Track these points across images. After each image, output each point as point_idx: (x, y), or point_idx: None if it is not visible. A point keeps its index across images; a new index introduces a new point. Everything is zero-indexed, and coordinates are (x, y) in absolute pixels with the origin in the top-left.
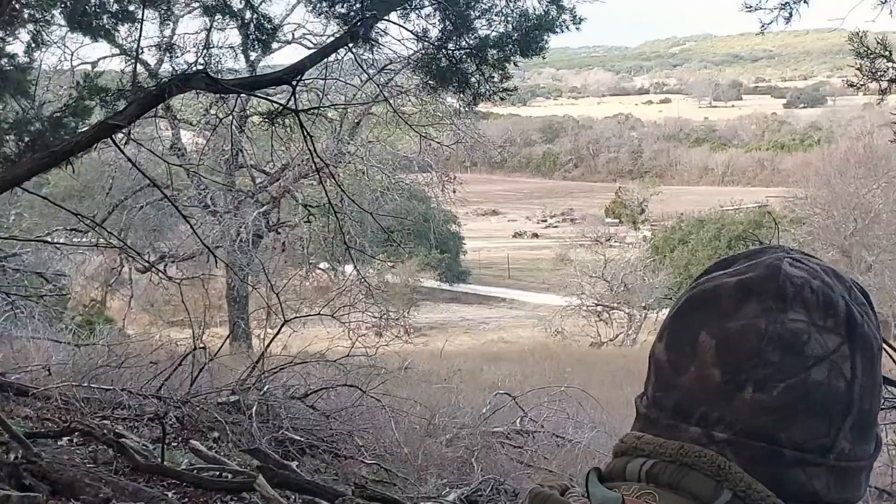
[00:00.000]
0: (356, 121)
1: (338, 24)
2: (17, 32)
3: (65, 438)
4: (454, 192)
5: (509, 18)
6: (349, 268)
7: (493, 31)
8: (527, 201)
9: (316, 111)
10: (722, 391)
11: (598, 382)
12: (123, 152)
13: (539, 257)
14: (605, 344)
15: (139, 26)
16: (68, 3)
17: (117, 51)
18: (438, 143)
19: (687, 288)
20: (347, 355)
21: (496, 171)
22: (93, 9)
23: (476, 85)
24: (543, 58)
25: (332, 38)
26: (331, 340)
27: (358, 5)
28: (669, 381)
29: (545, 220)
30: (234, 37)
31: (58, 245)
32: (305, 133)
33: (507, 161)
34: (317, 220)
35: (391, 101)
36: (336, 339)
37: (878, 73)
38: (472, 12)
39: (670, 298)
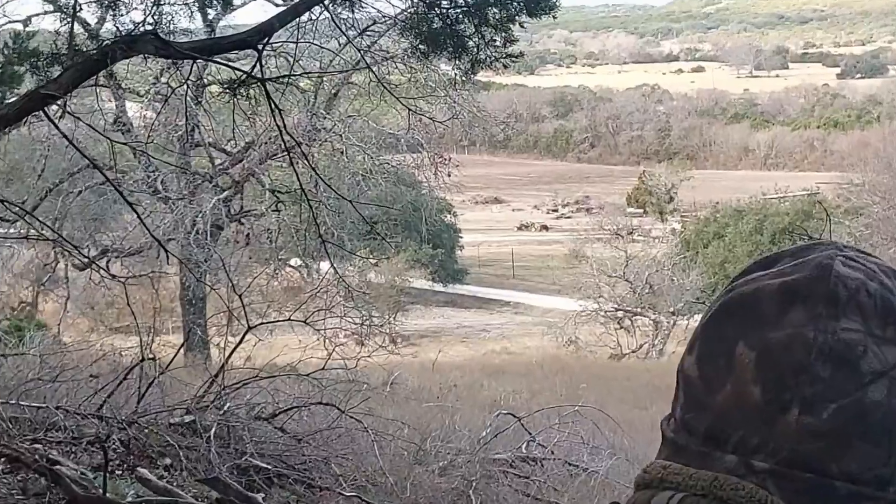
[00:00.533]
0: (333, 92)
1: None
2: None
3: None
4: (449, 176)
5: None
6: (325, 265)
7: None
8: (534, 187)
9: (286, 80)
10: (763, 413)
11: (617, 401)
12: (58, 127)
13: (549, 253)
14: (626, 356)
15: None
16: None
17: (51, 7)
18: (430, 118)
19: (722, 291)
20: (323, 368)
21: (498, 152)
22: None
23: (474, 50)
24: (554, 17)
25: None
26: (303, 351)
27: None
28: (701, 400)
29: (556, 210)
30: None
31: None
32: (273, 106)
33: (511, 140)
34: (287, 209)
35: (374, 69)
36: (310, 348)
37: None
38: None
39: (703, 303)
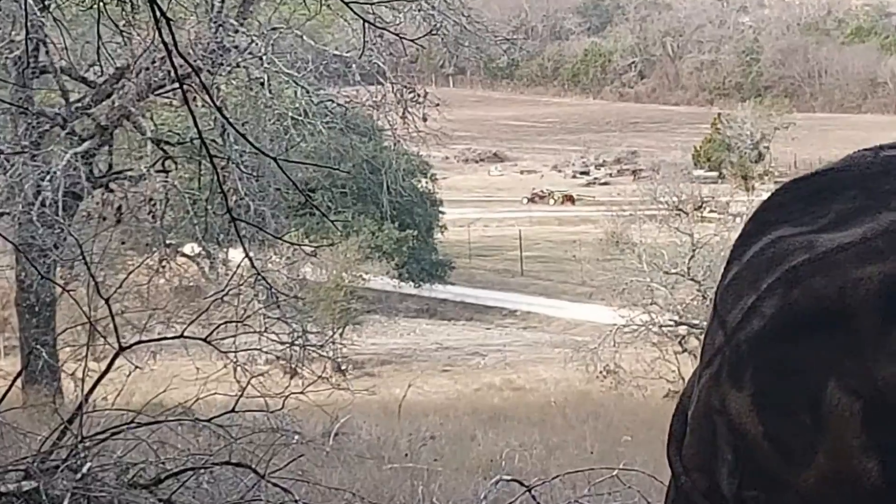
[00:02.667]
0: None
1: None
2: None
3: None
4: (425, 120)
5: None
6: (236, 254)
7: None
8: (554, 138)
9: None
10: (884, 500)
11: None
12: None
13: (575, 238)
14: None
15: None
16: None
17: None
18: (396, 33)
19: (739, 265)
20: (232, 411)
21: (500, 85)
22: None
23: None
24: None
25: None
26: (203, 384)
27: None
28: (773, 474)
29: (586, 173)
30: None
31: None
32: (158, 12)
33: (519, 67)
34: (180, 170)
35: None
36: (213, 380)
37: None
38: None
39: None
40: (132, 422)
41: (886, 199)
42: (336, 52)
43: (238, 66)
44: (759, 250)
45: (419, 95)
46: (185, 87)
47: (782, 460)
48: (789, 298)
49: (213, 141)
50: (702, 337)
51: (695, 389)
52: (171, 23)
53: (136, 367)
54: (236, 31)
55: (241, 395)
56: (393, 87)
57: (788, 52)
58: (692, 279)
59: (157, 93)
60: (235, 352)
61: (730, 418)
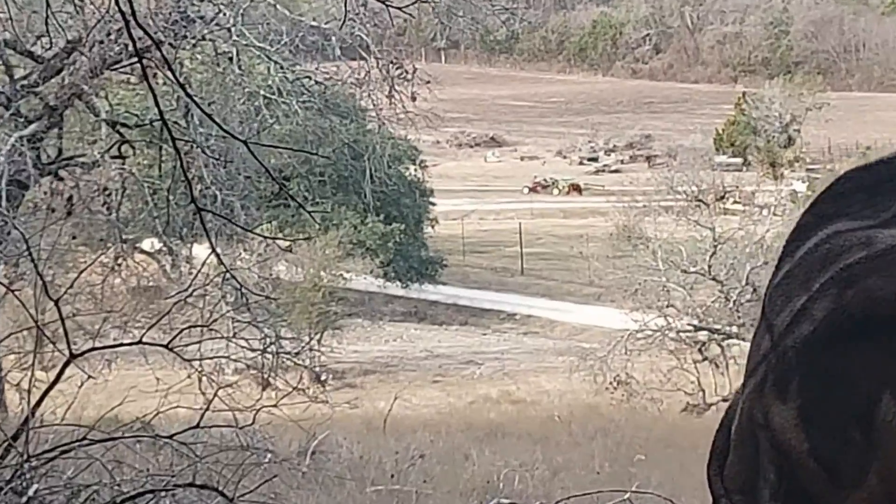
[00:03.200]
0: None
1: None
2: None
3: None
4: (413, 100)
5: None
6: (201, 250)
7: None
8: (559, 120)
9: None
10: None
11: (698, 484)
12: None
13: (582, 232)
14: (712, 406)
15: None
16: None
17: None
18: (381, 1)
19: (791, 263)
20: (198, 426)
21: (498, 60)
22: None
23: None
24: None
25: None
26: (164, 396)
27: None
28: (820, 496)
29: (595, 159)
30: None
31: None
32: None
33: (519, 40)
34: (138, 155)
35: None
36: (176, 392)
37: None
38: None
39: None
40: (84, 438)
41: None
42: (314, 24)
43: (204, 38)
44: (814, 246)
45: (407, 72)
46: (144, 62)
47: (829, 481)
48: (842, 300)
49: (176, 123)
50: (724, 344)
51: (739, 402)
52: None
53: (89, 376)
54: (202, 0)
55: (206, 409)
56: (378, 63)
57: (822, 24)
58: (713, 279)
59: (113, 68)
60: (200, 360)
61: (773, 434)
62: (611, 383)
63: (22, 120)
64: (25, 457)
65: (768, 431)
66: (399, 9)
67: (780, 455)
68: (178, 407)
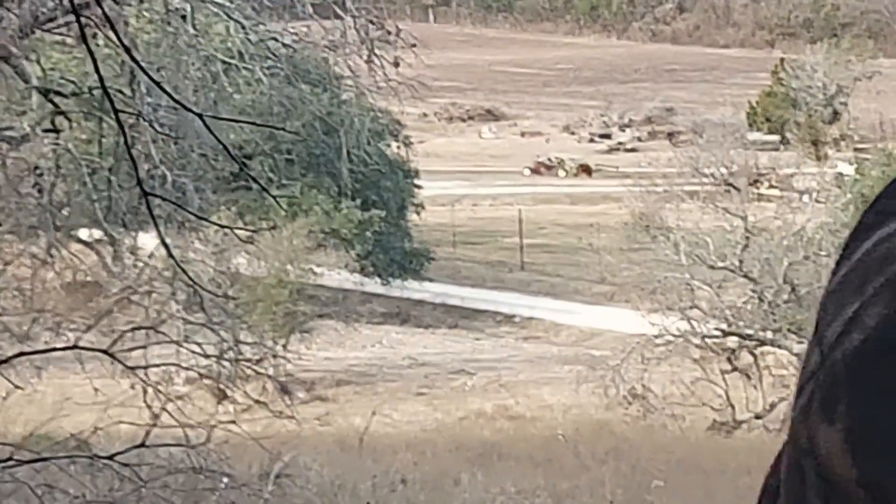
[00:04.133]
0: None
1: None
2: None
3: None
4: (397, 66)
5: None
6: (148, 240)
7: None
8: (566, 90)
9: None
10: None
11: None
12: None
13: (593, 221)
14: (742, 425)
15: None
16: None
17: None
18: None
19: (848, 266)
20: (142, 445)
21: (495, 20)
22: None
23: None
24: None
25: None
26: (104, 409)
27: None
28: None
29: (608, 136)
30: None
31: None
32: None
33: None
34: (75, 129)
35: None
36: (118, 405)
37: None
38: None
39: None
40: (9, 459)
41: None
42: None
43: None
44: (872, 247)
45: (389, 33)
46: (82, 19)
47: None
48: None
49: (119, 91)
50: (757, 352)
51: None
52: None
53: (16, 386)
54: None
55: (153, 425)
56: (355, 22)
57: None
58: (745, 276)
59: (45, 28)
60: (146, 368)
61: (818, 460)
62: (624, 397)
63: None
64: None
65: (813, 459)
66: None
67: (827, 486)
68: (119, 423)
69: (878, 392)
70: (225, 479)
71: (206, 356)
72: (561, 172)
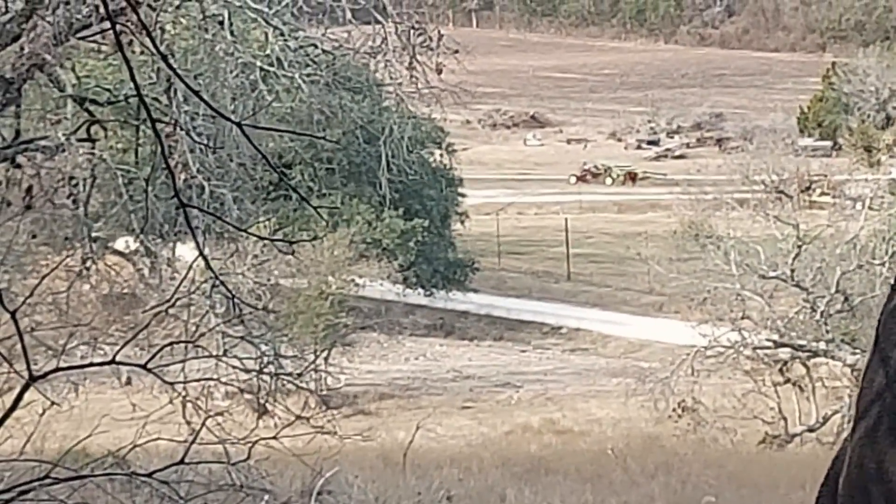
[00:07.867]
0: None
1: None
2: None
3: None
4: (439, 73)
5: None
6: (185, 251)
7: None
8: (612, 96)
9: None
10: None
11: None
12: None
13: (640, 230)
14: (795, 438)
15: None
16: None
17: None
18: None
19: None
20: (182, 462)
21: (540, 24)
22: None
23: None
24: None
25: None
26: (141, 425)
27: None
28: None
29: (656, 143)
30: None
31: None
32: None
33: (565, 0)
34: (111, 138)
35: None
36: (155, 421)
37: None
38: None
39: None
40: (47, 477)
41: None
42: None
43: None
44: None
45: (431, 38)
46: (117, 26)
47: None
48: None
49: (156, 100)
50: (810, 363)
51: (848, 450)
52: None
53: (53, 402)
54: None
55: (192, 441)
56: (396, 28)
57: None
58: (797, 285)
59: (80, 35)
60: (185, 383)
61: (889, 487)
62: (674, 410)
63: None
64: None
65: (883, 485)
66: None
67: None
68: (158, 439)
69: None
70: (266, 497)
71: (246, 370)
72: (607, 180)
